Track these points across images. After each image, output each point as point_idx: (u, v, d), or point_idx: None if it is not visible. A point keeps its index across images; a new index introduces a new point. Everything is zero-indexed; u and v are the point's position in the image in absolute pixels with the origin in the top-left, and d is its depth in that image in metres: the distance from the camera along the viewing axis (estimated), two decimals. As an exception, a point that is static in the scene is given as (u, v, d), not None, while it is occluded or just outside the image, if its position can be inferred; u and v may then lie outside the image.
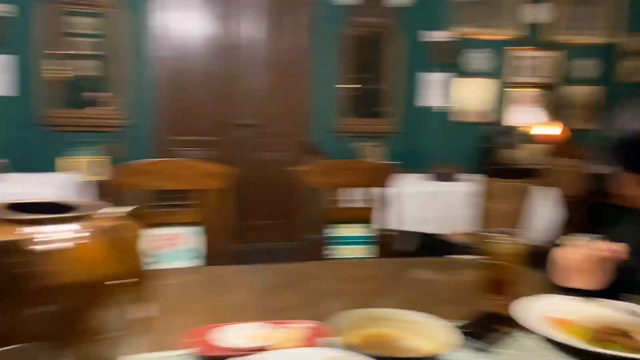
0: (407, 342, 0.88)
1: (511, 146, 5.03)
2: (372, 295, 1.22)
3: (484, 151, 5.11)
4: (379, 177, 1.96)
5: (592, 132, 5.36)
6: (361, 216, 1.93)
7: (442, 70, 4.87)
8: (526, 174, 2.97)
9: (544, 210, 3.32)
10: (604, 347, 0.87)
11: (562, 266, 1.11)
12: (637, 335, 0.89)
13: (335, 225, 1.91)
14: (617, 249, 1.04)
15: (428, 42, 4.78)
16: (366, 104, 4.97)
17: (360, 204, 1.96)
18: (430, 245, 3.35)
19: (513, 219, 3.00)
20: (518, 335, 0.97)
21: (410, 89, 4.95)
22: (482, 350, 0.90)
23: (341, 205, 2.05)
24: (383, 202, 1.92)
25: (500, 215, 2.94)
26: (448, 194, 3.17)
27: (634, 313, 0.94)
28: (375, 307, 0.95)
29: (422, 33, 4.78)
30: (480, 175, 2.87)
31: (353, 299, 1.18)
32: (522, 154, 4.97)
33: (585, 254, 1.06)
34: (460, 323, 0.98)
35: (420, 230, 3.20)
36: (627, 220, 1.21)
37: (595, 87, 5.38)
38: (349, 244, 1.86)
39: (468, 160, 5.15)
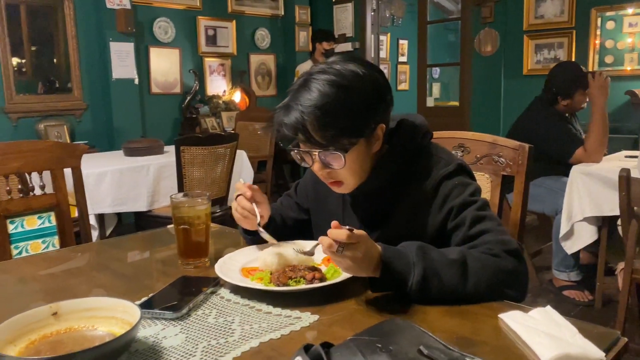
0: (95, 331, 0.81)
1: (207, 114, 5.19)
2: (59, 291, 1.08)
3: (183, 121, 5.13)
4: (64, 159, 1.75)
5: (272, 97, 5.95)
6: (45, 204, 1.69)
7: (132, 40, 4.62)
8: (223, 139, 3.10)
9: (241, 172, 3.55)
10: (285, 285, 0.97)
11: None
12: (301, 268, 1.02)
13: (14, 218, 1.63)
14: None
15: (112, 9, 4.44)
16: (44, 78, 4.39)
17: (42, 191, 1.71)
18: (144, 224, 3.22)
19: (215, 184, 3.12)
20: (224, 291, 1.01)
21: (100, 60, 4.56)
22: (171, 319, 0.89)
23: (19, 194, 1.75)
24: (78, 186, 1.74)
25: (202, 182, 3.01)
26: (147, 168, 3.07)
27: (298, 251, 1.06)
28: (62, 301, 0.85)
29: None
30: (179, 145, 2.86)
31: (40, 296, 1.04)
32: (217, 121, 5.18)
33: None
34: (148, 297, 0.96)
35: (124, 210, 3.03)
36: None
37: (270, 55, 5.95)
38: (33, 237, 1.62)
39: (167, 131, 5.10)
